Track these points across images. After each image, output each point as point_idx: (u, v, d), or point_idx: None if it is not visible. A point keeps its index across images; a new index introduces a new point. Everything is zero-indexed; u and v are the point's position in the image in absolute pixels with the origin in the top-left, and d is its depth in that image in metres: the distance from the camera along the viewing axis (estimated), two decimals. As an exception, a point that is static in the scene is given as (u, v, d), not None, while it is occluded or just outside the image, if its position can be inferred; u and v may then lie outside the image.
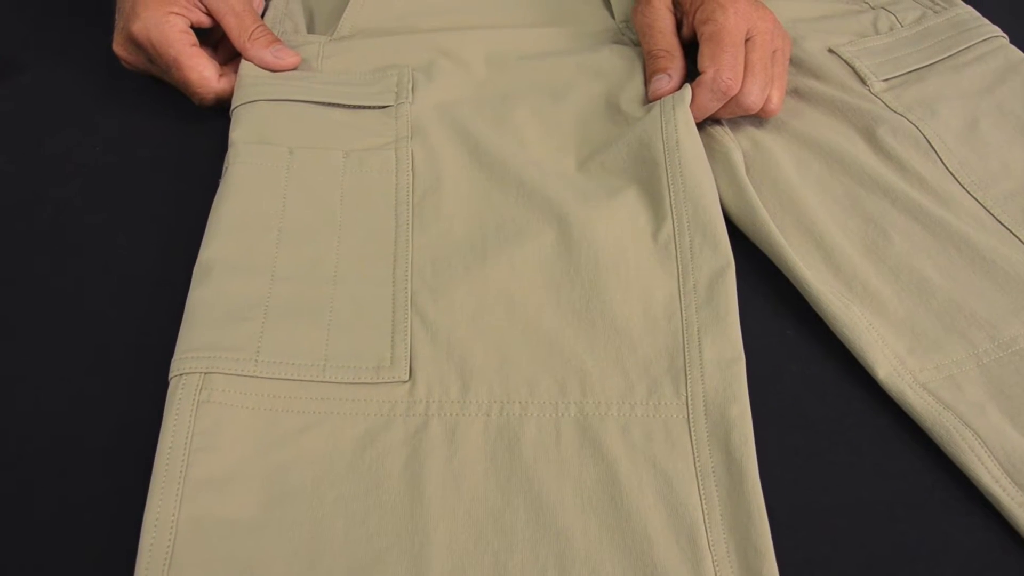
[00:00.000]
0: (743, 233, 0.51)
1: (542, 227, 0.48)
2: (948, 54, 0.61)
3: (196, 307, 0.43)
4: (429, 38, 0.59)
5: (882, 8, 0.65)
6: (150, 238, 0.51)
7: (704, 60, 0.54)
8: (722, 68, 0.52)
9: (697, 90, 0.53)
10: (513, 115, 0.55)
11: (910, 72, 0.60)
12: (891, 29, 0.63)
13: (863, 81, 0.59)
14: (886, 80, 0.59)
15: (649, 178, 0.50)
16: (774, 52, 0.55)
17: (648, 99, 0.56)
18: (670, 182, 0.49)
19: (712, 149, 0.54)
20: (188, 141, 0.56)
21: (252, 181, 0.49)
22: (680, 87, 0.55)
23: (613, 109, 0.56)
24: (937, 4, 0.64)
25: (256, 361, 0.42)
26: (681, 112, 0.52)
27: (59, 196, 0.53)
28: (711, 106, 0.54)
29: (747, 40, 0.54)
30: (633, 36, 0.62)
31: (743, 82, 0.53)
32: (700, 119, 0.54)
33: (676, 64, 0.56)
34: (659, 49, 0.57)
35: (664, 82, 0.55)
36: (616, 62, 0.59)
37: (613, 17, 0.64)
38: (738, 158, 0.54)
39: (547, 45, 0.61)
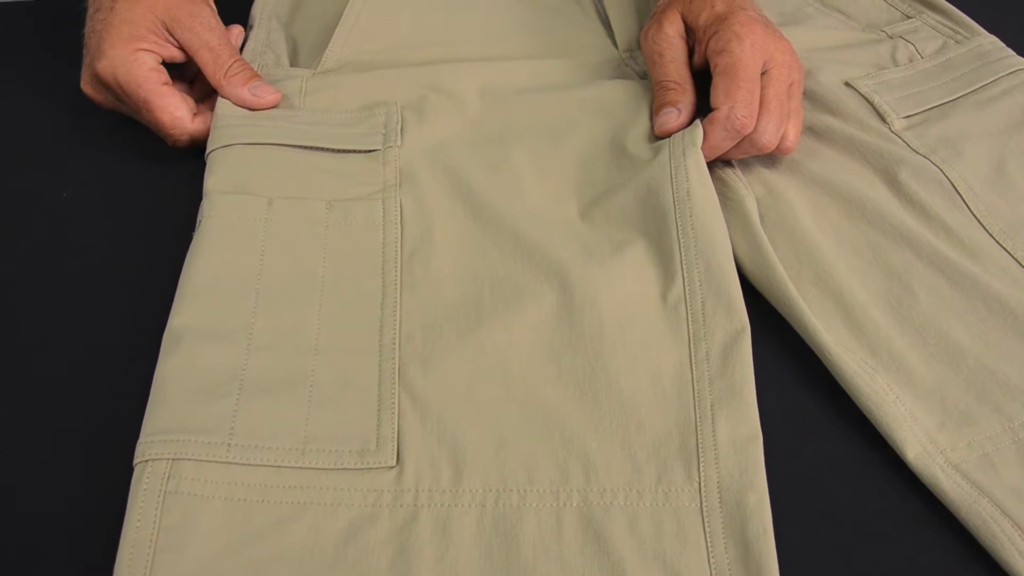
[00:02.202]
0: (758, 291, 0.48)
1: (541, 288, 0.44)
2: (972, 89, 0.57)
3: (165, 381, 0.40)
4: (419, 72, 0.56)
5: (900, 37, 0.61)
6: (116, 300, 0.47)
7: (718, 95, 0.50)
8: (737, 105, 0.49)
9: (709, 128, 0.50)
10: (510, 158, 0.51)
11: (932, 108, 0.56)
12: (911, 60, 0.59)
13: (882, 118, 0.55)
14: (907, 117, 0.55)
15: (657, 231, 0.46)
16: (790, 86, 0.52)
17: (654, 133, 0.52)
18: (680, 235, 0.46)
19: (725, 197, 0.51)
20: (160, 188, 0.52)
21: (227, 236, 0.45)
22: (689, 123, 0.51)
23: (618, 150, 0.52)
24: (959, 33, 0.61)
25: (229, 445, 0.38)
26: (692, 156, 0.48)
27: (19, 248, 0.50)
28: (724, 145, 0.50)
29: (763, 73, 0.51)
30: (638, 67, 0.58)
31: (758, 119, 0.50)
32: (711, 158, 0.50)
33: (686, 98, 0.52)
34: (669, 80, 0.53)
35: (673, 116, 0.51)
36: (621, 98, 0.55)
37: (616, 46, 0.60)
38: (752, 207, 0.50)
39: (546, 78, 0.57)
